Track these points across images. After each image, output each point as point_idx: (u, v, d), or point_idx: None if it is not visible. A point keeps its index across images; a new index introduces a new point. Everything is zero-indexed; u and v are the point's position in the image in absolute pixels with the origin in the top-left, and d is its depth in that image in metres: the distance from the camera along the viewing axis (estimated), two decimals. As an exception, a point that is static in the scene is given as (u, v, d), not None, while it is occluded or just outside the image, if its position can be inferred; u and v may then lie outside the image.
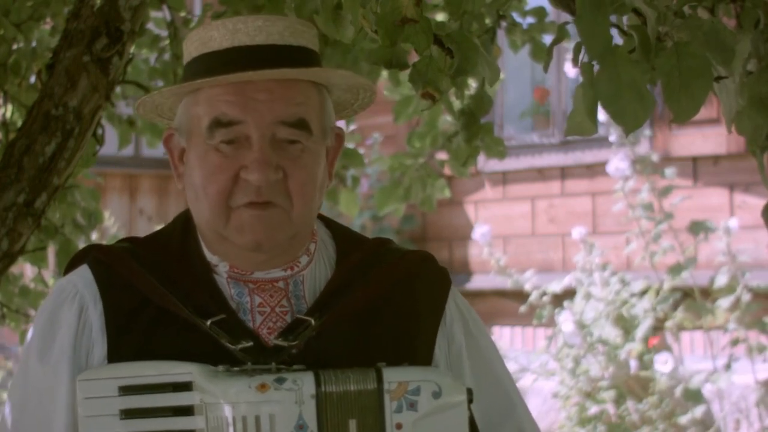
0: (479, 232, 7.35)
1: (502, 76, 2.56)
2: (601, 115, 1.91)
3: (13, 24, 3.64)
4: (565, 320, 6.61)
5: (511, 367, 6.91)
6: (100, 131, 3.45)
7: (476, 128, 3.75)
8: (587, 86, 1.87)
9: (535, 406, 7.06)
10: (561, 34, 2.01)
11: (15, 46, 3.75)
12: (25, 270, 5.18)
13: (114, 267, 1.95)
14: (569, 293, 6.93)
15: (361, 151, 4.77)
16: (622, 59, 1.85)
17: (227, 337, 1.87)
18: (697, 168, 7.57)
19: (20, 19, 3.65)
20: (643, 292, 6.73)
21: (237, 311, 1.93)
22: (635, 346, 6.56)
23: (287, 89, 1.90)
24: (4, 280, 4.01)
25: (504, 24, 3.61)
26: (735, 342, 6.48)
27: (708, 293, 6.70)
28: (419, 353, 1.97)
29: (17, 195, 3.22)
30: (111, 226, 8.48)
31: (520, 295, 7.22)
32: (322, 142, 1.96)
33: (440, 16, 3.61)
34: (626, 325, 6.63)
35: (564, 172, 8.27)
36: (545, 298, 6.89)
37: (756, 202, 7.16)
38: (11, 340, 8.99)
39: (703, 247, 7.09)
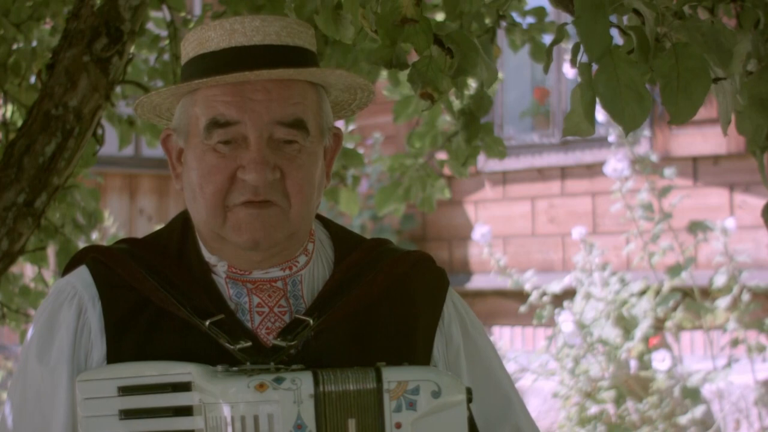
0: (479, 232, 7.35)
1: (501, 76, 2.56)
2: (601, 116, 1.92)
3: (13, 24, 3.64)
4: (565, 320, 6.61)
5: (511, 367, 6.91)
6: (100, 131, 3.46)
7: (476, 128, 3.75)
8: (585, 87, 1.87)
9: (535, 406, 7.06)
10: (560, 35, 2.01)
11: (15, 46, 3.75)
12: (25, 270, 5.18)
13: (113, 268, 1.96)
14: (569, 293, 6.93)
15: (361, 151, 4.77)
16: (620, 60, 1.85)
17: (226, 337, 1.87)
18: (697, 168, 7.57)
19: (20, 19, 3.66)
20: (643, 292, 6.72)
21: (235, 311, 1.93)
22: (635, 346, 6.56)
23: (284, 89, 1.90)
24: (4, 280, 4.01)
25: (504, 24, 3.61)
26: (735, 342, 6.48)
27: (707, 293, 6.70)
28: (418, 353, 1.97)
29: (17, 195, 3.23)
30: (111, 226, 8.47)
31: (520, 296, 7.22)
32: (320, 142, 1.96)
33: (440, 16, 3.61)
34: (626, 325, 6.63)
35: (564, 172, 8.27)
36: (545, 298, 6.89)
37: (756, 202, 7.16)
38: (11, 340, 8.99)
39: (703, 247, 7.09)
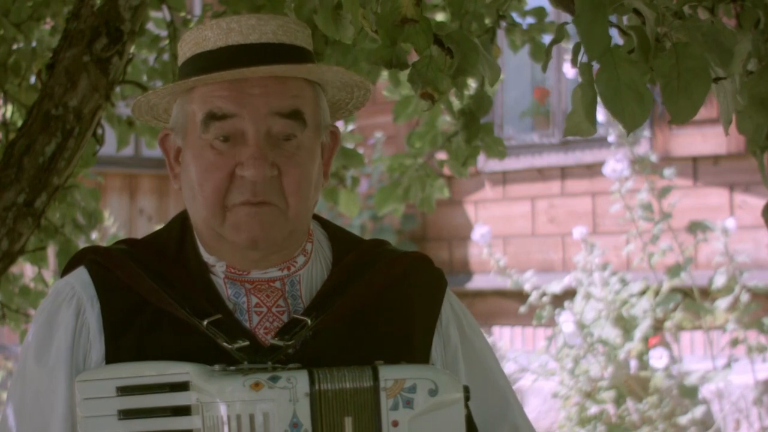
0: (479, 232, 7.34)
1: (502, 76, 2.56)
2: (601, 116, 1.91)
3: (13, 24, 3.64)
4: (565, 320, 6.61)
5: (511, 367, 6.92)
6: (100, 131, 3.46)
7: (476, 128, 3.75)
8: (586, 86, 1.87)
9: (535, 406, 7.07)
10: (560, 34, 2.01)
11: (15, 46, 3.75)
12: (25, 270, 5.18)
13: (111, 269, 1.96)
14: (569, 293, 6.93)
15: (362, 151, 4.77)
16: (621, 60, 1.85)
17: (224, 337, 1.88)
18: (697, 168, 7.57)
19: (20, 19, 3.66)
20: (643, 293, 6.72)
21: (234, 311, 1.94)
22: (635, 346, 6.56)
23: (281, 84, 1.91)
24: (4, 280, 4.01)
25: (504, 24, 3.61)
26: (735, 342, 6.48)
27: (707, 293, 6.70)
28: (416, 354, 1.97)
29: (17, 195, 3.23)
30: (111, 226, 8.47)
31: (520, 296, 7.22)
32: (317, 138, 1.96)
33: (440, 16, 3.61)
34: (626, 325, 6.63)
35: (564, 172, 8.27)
36: (545, 299, 6.89)
37: (756, 202, 7.16)
38: (11, 340, 8.99)
39: (703, 247, 7.09)
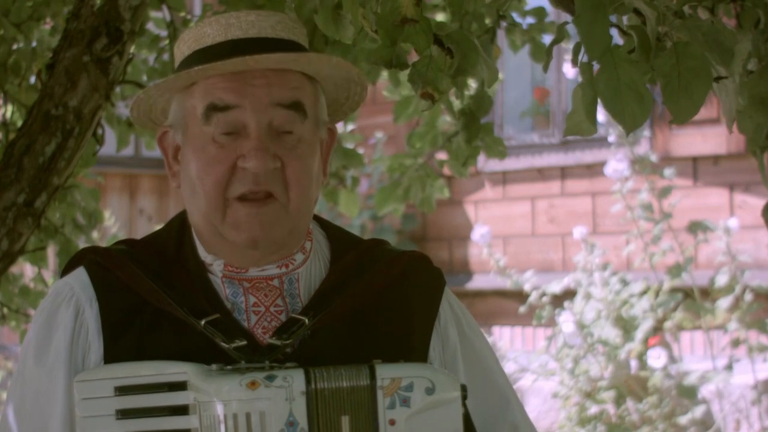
0: (478, 233, 7.34)
1: (501, 76, 2.56)
2: (601, 115, 1.91)
3: (13, 24, 3.64)
4: (565, 320, 6.61)
5: (511, 367, 6.92)
6: (100, 131, 3.46)
7: (476, 128, 3.75)
8: (586, 86, 1.86)
9: (535, 406, 7.07)
10: (560, 34, 2.00)
11: (15, 46, 3.75)
12: (25, 270, 5.18)
13: (110, 269, 1.96)
14: (569, 293, 6.93)
15: (362, 151, 4.77)
16: (621, 59, 1.85)
17: (221, 337, 1.88)
18: (697, 168, 7.57)
19: (20, 19, 3.66)
20: (643, 293, 6.72)
21: (232, 311, 1.94)
22: (635, 346, 6.56)
23: (282, 76, 1.91)
24: (4, 280, 4.01)
25: (504, 24, 3.60)
26: (736, 342, 6.47)
27: (707, 293, 6.70)
28: (414, 354, 1.97)
29: (17, 195, 3.23)
30: (112, 226, 8.47)
31: (520, 296, 7.22)
32: (317, 133, 1.97)
33: (440, 16, 3.61)
34: (626, 326, 6.63)
35: (564, 172, 8.27)
36: (545, 299, 6.89)
37: (756, 202, 7.16)
38: (11, 340, 8.99)
39: (703, 247, 7.09)
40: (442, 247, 8.84)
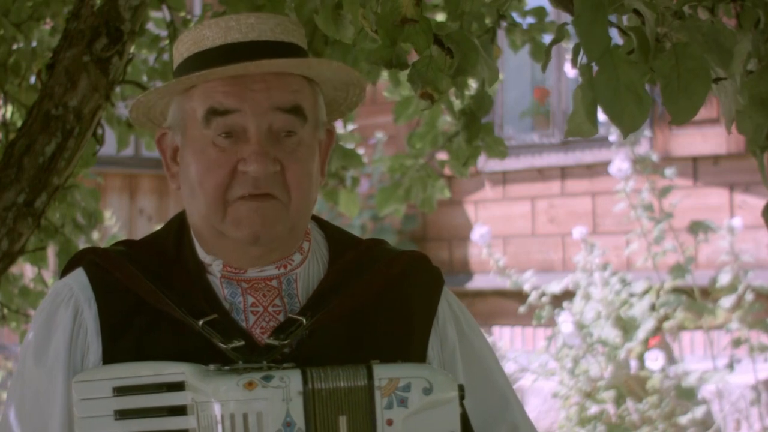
0: (478, 233, 7.34)
1: (501, 76, 2.56)
2: (602, 116, 1.91)
3: (13, 24, 3.64)
4: (565, 320, 6.61)
5: (511, 367, 6.91)
6: (100, 131, 3.46)
7: (477, 128, 3.74)
8: (586, 87, 1.86)
9: (535, 406, 7.06)
10: (560, 35, 2.00)
11: (15, 46, 3.75)
12: (25, 270, 5.18)
13: (109, 270, 1.96)
14: (569, 293, 6.93)
15: (363, 151, 4.77)
16: (620, 60, 1.85)
17: (219, 337, 1.88)
18: (697, 168, 7.57)
19: (20, 19, 3.66)
20: (644, 293, 6.72)
21: (230, 311, 1.94)
22: (635, 347, 6.56)
23: (282, 80, 1.92)
24: (4, 280, 4.01)
25: (504, 24, 3.60)
26: (737, 342, 6.47)
27: (708, 293, 6.70)
28: (412, 353, 1.97)
29: (17, 195, 3.23)
30: (113, 226, 8.47)
31: (520, 296, 7.22)
32: (316, 135, 1.97)
33: (440, 16, 3.61)
34: (626, 326, 6.63)
35: (564, 172, 8.27)
36: (544, 299, 6.89)
37: (756, 202, 7.16)
38: (11, 340, 8.99)
39: (704, 247, 7.09)
40: (442, 247, 8.84)
